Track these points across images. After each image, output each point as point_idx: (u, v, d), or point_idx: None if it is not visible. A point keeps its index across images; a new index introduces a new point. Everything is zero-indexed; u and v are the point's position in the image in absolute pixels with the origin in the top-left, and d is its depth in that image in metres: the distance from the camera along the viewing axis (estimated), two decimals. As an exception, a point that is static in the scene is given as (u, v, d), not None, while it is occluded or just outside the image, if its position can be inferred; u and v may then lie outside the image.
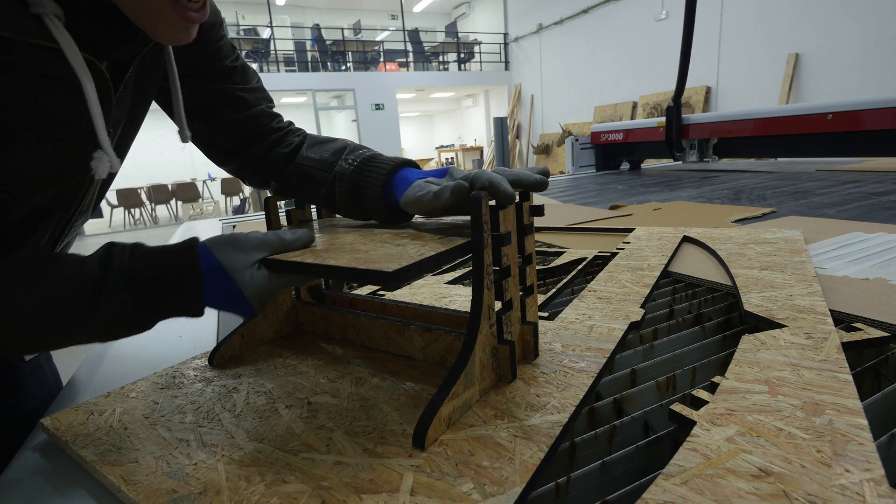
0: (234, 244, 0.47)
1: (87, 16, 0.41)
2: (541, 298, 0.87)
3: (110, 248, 0.44)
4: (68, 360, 0.81)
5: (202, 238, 0.49)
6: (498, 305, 0.52)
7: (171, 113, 0.60)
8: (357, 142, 0.66)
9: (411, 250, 0.46)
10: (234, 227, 2.13)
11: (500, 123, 9.83)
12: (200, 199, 9.46)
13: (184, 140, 0.59)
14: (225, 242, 0.47)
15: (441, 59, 12.32)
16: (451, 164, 14.62)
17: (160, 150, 11.78)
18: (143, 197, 9.42)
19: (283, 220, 0.68)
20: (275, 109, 0.70)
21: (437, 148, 15.20)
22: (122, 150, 0.57)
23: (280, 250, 0.49)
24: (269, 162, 0.66)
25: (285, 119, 0.70)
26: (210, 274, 0.44)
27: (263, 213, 0.68)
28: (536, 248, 1.30)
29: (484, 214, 0.47)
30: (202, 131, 0.64)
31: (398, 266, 0.41)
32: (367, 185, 0.58)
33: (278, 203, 0.67)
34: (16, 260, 0.42)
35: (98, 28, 0.42)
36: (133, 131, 0.59)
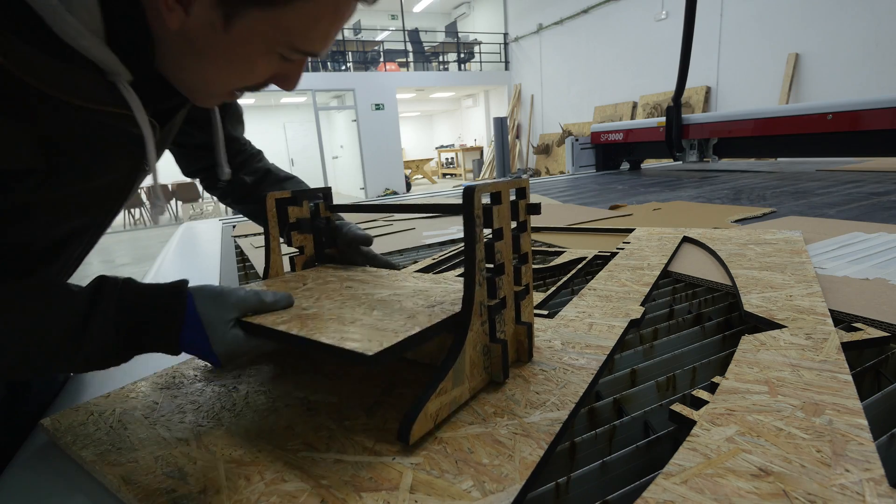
0: (216, 299, 0.47)
1: (140, 78, 0.44)
2: (541, 297, 0.87)
3: (102, 282, 0.45)
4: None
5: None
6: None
7: (177, 149, 0.71)
8: (358, 142, 0.71)
9: (396, 323, 0.45)
10: (234, 226, 2.13)
11: (500, 123, 9.83)
12: (200, 199, 9.45)
13: (222, 177, 0.66)
14: (208, 295, 0.47)
15: (441, 59, 12.32)
16: (451, 163, 14.61)
17: (160, 150, 11.73)
18: (143, 197, 9.42)
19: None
20: (269, 114, 0.75)
21: (437, 148, 15.20)
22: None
23: (258, 311, 0.49)
24: (232, 182, 0.75)
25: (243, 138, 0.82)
26: (188, 324, 0.45)
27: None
28: (536, 248, 1.30)
29: (476, 209, 0.46)
30: (218, 172, 0.69)
31: (379, 348, 0.39)
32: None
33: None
34: (9, 287, 0.42)
35: (148, 88, 0.45)
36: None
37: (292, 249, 0.71)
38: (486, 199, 0.50)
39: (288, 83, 0.48)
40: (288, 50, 0.43)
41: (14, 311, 0.41)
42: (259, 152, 0.83)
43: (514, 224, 0.54)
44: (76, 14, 0.36)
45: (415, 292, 0.56)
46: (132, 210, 9.17)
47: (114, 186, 0.51)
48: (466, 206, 0.46)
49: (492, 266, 0.50)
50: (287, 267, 0.71)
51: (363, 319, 0.47)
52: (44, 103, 0.38)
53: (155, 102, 0.47)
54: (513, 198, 0.54)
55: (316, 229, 0.73)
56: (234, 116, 0.75)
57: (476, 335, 0.48)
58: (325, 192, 0.74)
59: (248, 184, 0.78)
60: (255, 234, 1.82)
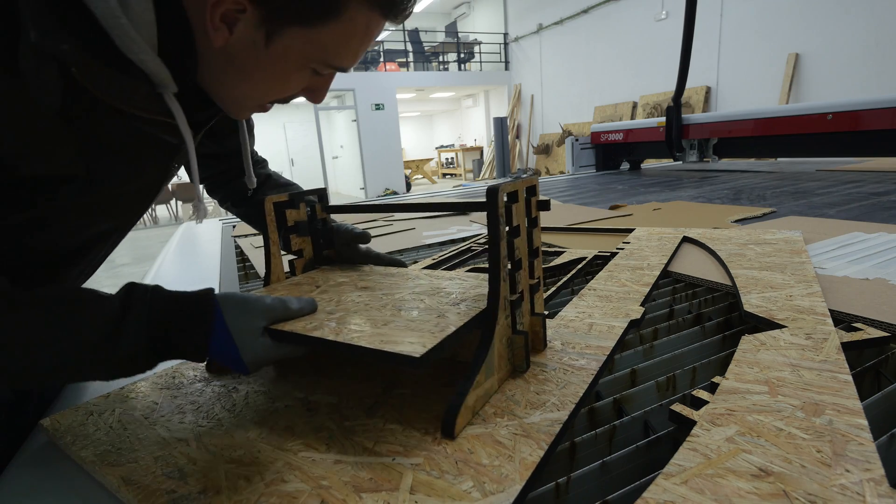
0: (244, 307, 0.48)
1: (183, 90, 0.46)
2: (541, 298, 0.87)
3: (131, 288, 0.45)
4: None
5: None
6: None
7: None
8: (358, 142, 0.72)
9: (430, 323, 0.46)
10: (233, 226, 2.13)
11: (500, 123, 9.83)
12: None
13: (250, 186, 0.68)
14: (235, 304, 0.47)
15: (441, 59, 12.31)
16: (451, 164, 14.61)
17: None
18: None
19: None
20: (269, 114, 0.79)
21: (437, 148, 15.20)
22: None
23: (284, 319, 0.50)
24: (232, 187, 0.80)
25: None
26: (217, 332, 0.46)
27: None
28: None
29: (500, 208, 0.48)
30: (246, 181, 0.70)
31: (423, 350, 0.40)
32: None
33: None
34: (40, 293, 0.42)
35: (188, 99, 0.47)
36: None
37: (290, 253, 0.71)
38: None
39: (317, 96, 0.51)
40: (321, 65, 0.46)
41: (48, 318, 0.41)
42: (263, 160, 0.86)
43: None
44: (140, 31, 0.39)
45: (433, 290, 0.57)
46: (132, 210, 9.15)
47: (141, 192, 0.53)
48: (491, 206, 0.48)
49: (511, 261, 0.52)
50: (286, 270, 0.70)
51: (395, 321, 0.48)
52: (95, 110, 0.41)
53: (192, 113, 0.48)
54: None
55: (314, 231, 0.73)
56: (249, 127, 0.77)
57: (502, 329, 0.50)
58: (321, 194, 0.74)
59: (248, 188, 0.79)
60: (255, 235, 1.82)
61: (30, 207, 0.43)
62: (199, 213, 0.56)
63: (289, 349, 0.48)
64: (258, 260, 1.38)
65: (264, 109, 0.51)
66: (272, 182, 0.83)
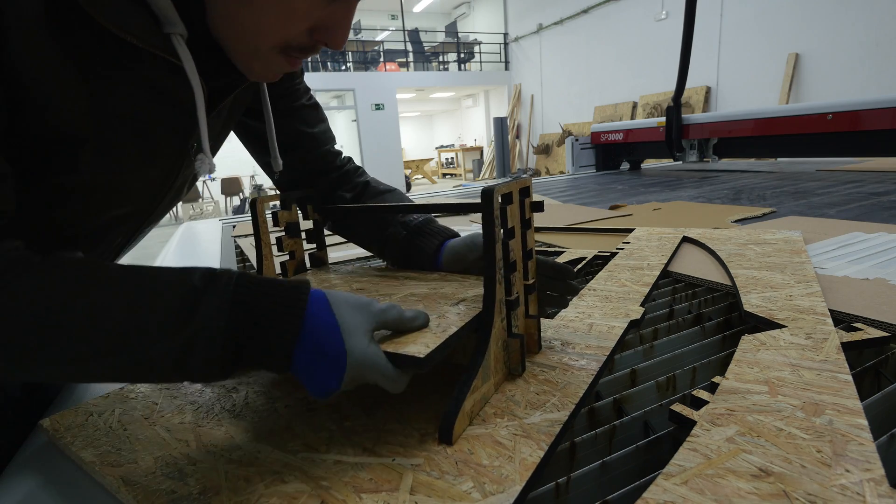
0: (356, 304, 0.42)
1: (195, 45, 0.44)
2: (541, 298, 0.87)
3: (215, 270, 0.40)
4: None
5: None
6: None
7: (248, 141, 0.69)
8: (358, 142, 0.70)
9: (431, 324, 0.46)
10: (234, 226, 2.13)
11: (500, 123, 9.84)
12: (200, 199, 9.45)
13: (276, 168, 0.64)
14: (346, 299, 0.42)
15: (441, 59, 12.32)
16: (451, 164, 14.62)
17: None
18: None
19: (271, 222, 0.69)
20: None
21: (437, 148, 15.20)
22: None
23: (397, 328, 0.44)
24: (331, 201, 0.73)
25: (343, 154, 0.77)
26: (321, 327, 0.39)
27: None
28: (537, 248, 1.29)
29: (495, 210, 0.48)
30: (272, 164, 0.65)
31: (427, 350, 0.40)
32: (420, 251, 0.69)
33: (267, 204, 0.68)
34: (101, 262, 0.39)
35: (201, 57, 0.45)
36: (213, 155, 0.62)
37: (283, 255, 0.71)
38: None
39: (334, 36, 0.45)
40: None
41: (114, 281, 0.36)
42: (360, 168, 0.77)
43: None
44: None
45: (429, 291, 0.57)
46: (132, 210, 9.14)
47: (158, 176, 0.52)
48: (486, 207, 0.47)
49: (505, 264, 0.51)
50: (277, 272, 0.70)
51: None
52: (102, 45, 0.39)
53: (207, 76, 0.47)
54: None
55: (312, 234, 0.72)
56: (311, 115, 0.71)
57: (498, 331, 0.50)
58: (312, 194, 0.73)
59: (348, 200, 0.73)
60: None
61: (51, 176, 0.42)
62: (204, 167, 0.49)
63: (400, 377, 0.41)
64: (255, 261, 1.37)
65: (283, 64, 0.47)
66: (372, 190, 0.74)
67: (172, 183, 0.54)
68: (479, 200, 0.48)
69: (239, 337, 0.37)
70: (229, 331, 0.37)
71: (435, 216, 0.76)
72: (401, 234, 0.69)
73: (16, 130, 0.38)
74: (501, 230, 0.50)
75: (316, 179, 0.73)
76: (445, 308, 0.51)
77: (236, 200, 9.46)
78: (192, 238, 2.00)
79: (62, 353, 0.35)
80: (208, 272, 0.39)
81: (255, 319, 0.38)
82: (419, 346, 0.41)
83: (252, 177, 9.96)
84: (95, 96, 0.41)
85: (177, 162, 0.52)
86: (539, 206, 0.57)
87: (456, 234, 0.70)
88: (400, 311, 0.44)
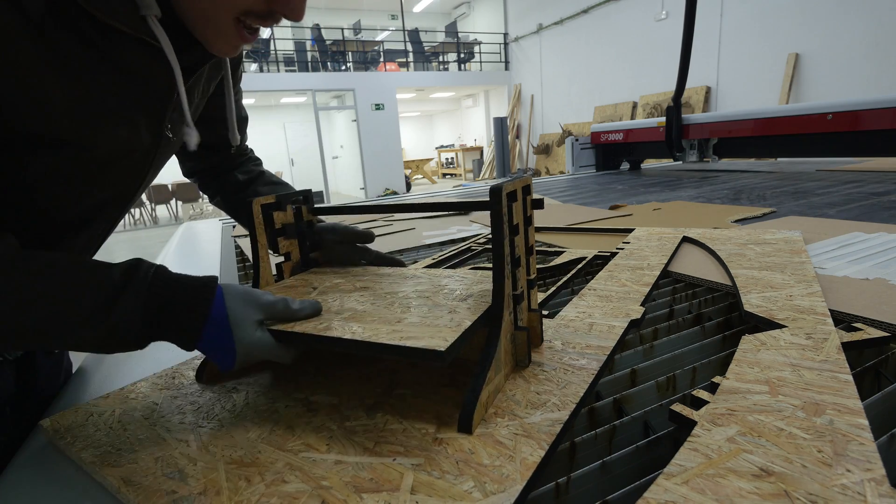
0: (246, 297, 0.48)
1: (163, 25, 0.46)
2: (541, 297, 0.87)
3: (137, 263, 0.45)
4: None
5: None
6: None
7: (202, 118, 0.70)
8: (358, 142, 0.71)
9: (443, 319, 0.47)
10: (233, 226, 2.13)
11: (500, 123, 9.84)
12: (200, 199, 9.45)
13: (234, 142, 0.67)
14: (238, 293, 0.48)
15: (441, 59, 12.32)
16: (451, 164, 14.62)
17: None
18: (143, 197, 9.42)
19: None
20: (269, 114, 0.80)
21: (437, 148, 15.21)
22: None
23: (284, 318, 0.50)
24: (224, 180, 0.81)
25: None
26: (213, 317, 0.46)
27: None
28: (537, 248, 1.30)
29: (504, 207, 0.49)
30: (229, 138, 0.69)
31: (446, 344, 0.42)
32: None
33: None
34: (38, 254, 0.43)
35: (170, 36, 0.46)
36: None
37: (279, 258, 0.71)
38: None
39: (289, 3, 0.47)
40: None
41: (47, 273, 0.41)
42: (258, 159, 0.88)
43: None
44: None
45: (435, 288, 0.58)
46: (132, 210, 9.17)
47: (134, 159, 0.53)
48: (495, 205, 0.49)
49: (512, 259, 0.53)
50: (273, 274, 0.70)
51: (407, 318, 0.48)
52: (74, 31, 0.41)
53: (178, 55, 0.48)
54: None
55: (301, 233, 0.72)
56: (241, 121, 0.77)
57: (506, 325, 0.51)
58: (306, 195, 0.73)
59: (240, 181, 0.81)
60: (255, 235, 1.82)
61: (28, 165, 0.44)
62: (192, 139, 0.54)
63: (283, 351, 0.49)
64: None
65: (243, 37, 0.48)
66: (265, 178, 0.84)
67: (152, 164, 0.57)
68: (476, 200, 0.49)
69: (152, 329, 0.44)
70: (144, 324, 0.44)
71: (437, 215, 0.77)
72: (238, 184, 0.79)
73: None
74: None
75: (217, 153, 0.79)
76: (454, 304, 0.52)
77: (236, 200, 9.44)
78: (192, 238, 2.00)
79: None
80: (129, 268, 0.44)
81: (166, 316, 0.44)
82: (438, 340, 0.42)
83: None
84: (74, 85, 0.43)
85: (155, 140, 0.54)
86: (539, 204, 0.58)
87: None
88: (287, 303, 0.50)
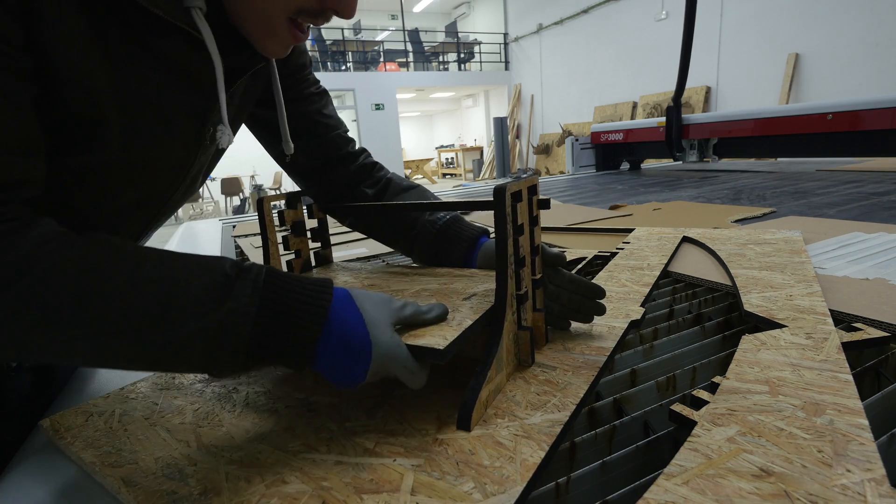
0: (377, 299, 0.44)
1: (211, 21, 0.44)
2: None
3: (242, 261, 0.42)
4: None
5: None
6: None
7: (260, 132, 0.68)
8: (357, 142, 0.70)
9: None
10: (234, 226, 2.13)
11: (500, 123, 9.82)
12: (200, 199, 9.45)
13: (287, 152, 0.63)
14: (367, 294, 0.44)
15: (441, 59, 12.31)
16: (451, 164, 14.61)
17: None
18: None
19: (276, 220, 0.69)
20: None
21: (437, 148, 15.20)
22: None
23: (414, 324, 0.46)
24: (351, 199, 0.72)
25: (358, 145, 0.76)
26: (342, 317, 0.41)
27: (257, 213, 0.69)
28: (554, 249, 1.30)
29: (507, 207, 0.49)
30: (283, 147, 0.65)
31: (446, 342, 0.42)
32: (450, 250, 0.69)
33: (271, 203, 0.68)
34: (142, 246, 0.41)
35: (217, 33, 0.45)
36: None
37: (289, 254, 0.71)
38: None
39: (346, 5, 0.46)
40: None
41: (153, 259, 0.38)
42: (378, 164, 0.77)
43: None
44: None
45: (440, 287, 0.58)
46: (132, 210, 9.13)
47: (172, 159, 0.51)
48: (498, 205, 0.49)
49: (516, 260, 0.53)
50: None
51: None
52: (126, 22, 0.39)
53: (223, 53, 0.46)
54: None
55: (317, 232, 0.73)
56: (321, 100, 0.71)
57: (509, 325, 0.51)
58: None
59: (370, 196, 0.72)
60: (255, 234, 1.82)
61: (70, 156, 0.42)
62: (225, 139, 0.51)
63: (417, 367, 0.43)
64: (258, 260, 1.37)
65: (295, 35, 0.47)
66: (395, 187, 0.73)
67: (188, 169, 0.54)
68: (479, 200, 0.49)
69: (266, 325, 0.39)
70: (259, 317, 0.38)
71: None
72: (430, 233, 0.69)
73: (41, 107, 0.38)
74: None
75: (334, 167, 0.71)
76: (458, 302, 0.52)
77: (236, 200, 9.46)
78: (192, 238, 2.00)
79: (98, 326, 0.35)
80: (238, 262, 0.41)
81: (281, 310, 0.40)
82: (437, 338, 0.43)
83: (252, 177, 9.95)
84: (118, 76, 0.41)
85: (193, 144, 0.52)
86: (546, 204, 0.58)
87: (486, 231, 0.70)
88: (416, 306, 0.46)
